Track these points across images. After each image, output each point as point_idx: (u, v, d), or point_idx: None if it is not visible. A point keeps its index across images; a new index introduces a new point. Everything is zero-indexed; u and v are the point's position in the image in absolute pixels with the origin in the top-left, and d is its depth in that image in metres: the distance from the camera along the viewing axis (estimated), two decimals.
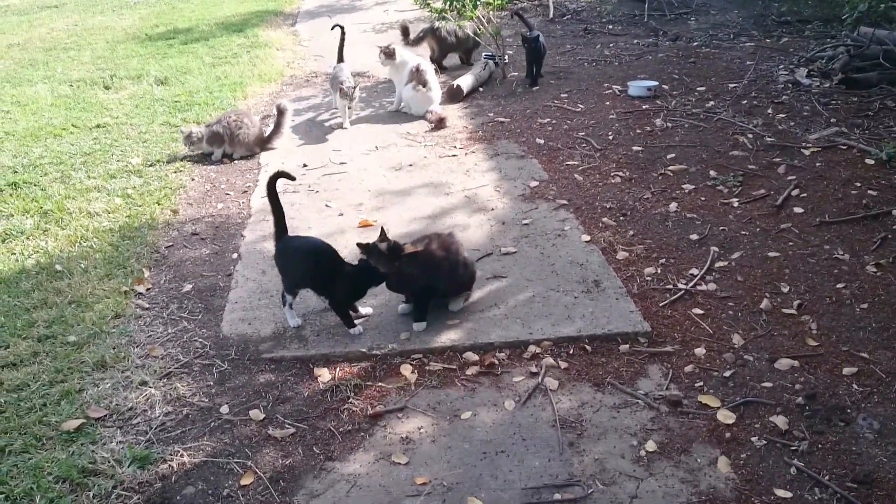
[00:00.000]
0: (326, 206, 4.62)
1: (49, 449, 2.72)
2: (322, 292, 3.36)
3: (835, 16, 7.77)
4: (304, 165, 5.27)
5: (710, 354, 3.10)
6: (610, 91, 6.45)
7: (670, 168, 4.85)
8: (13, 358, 3.22)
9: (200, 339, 3.36)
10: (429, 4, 7.02)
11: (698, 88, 6.32)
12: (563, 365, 3.06)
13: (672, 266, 3.76)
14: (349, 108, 5.91)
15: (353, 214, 4.47)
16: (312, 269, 3.30)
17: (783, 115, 5.56)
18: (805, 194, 4.36)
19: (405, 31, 7.49)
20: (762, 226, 4.07)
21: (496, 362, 3.09)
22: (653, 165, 4.92)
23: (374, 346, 3.22)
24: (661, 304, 3.45)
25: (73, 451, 2.70)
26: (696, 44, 7.84)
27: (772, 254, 3.79)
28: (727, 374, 2.97)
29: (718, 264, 3.74)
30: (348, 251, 3.84)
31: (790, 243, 3.89)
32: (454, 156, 5.32)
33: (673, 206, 4.36)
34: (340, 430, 2.78)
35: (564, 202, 4.48)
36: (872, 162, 4.64)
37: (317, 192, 4.84)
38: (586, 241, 4.00)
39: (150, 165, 5.37)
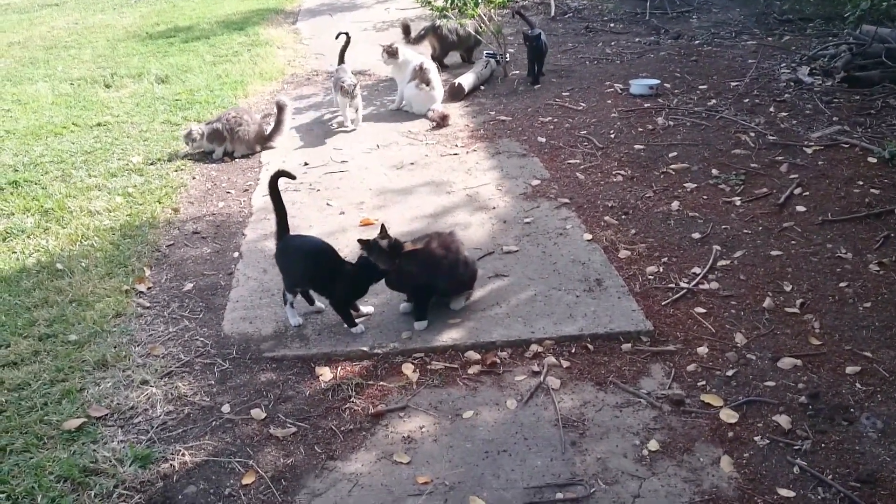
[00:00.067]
0: (328, 204, 4.61)
1: (50, 448, 2.71)
2: (323, 292, 3.36)
3: (837, 14, 7.75)
4: (306, 164, 5.27)
5: (712, 353, 3.09)
6: (611, 89, 6.44)
7: (672, 167, 4.84)
8: (14, 357, 3.22)
9: (202, 338, 3.35)
10: (430, 2, 7.01)
11: (700, 87, 6.31)
12: (566, 364, 3.05)
13: (674, 265, 3.75)
14: (350, 106, 5.83)
15: (355, 213, 4.47)
16: (312, 269, 3.29)
17: (785, 114, 5.54)
18: (807, 193, 4.35)
19: (406, 30, 7.48)
20: (764, 224, 4.06)
21: (498, 361, 3.08)
22: (655, 164, 4.91)
23: (376, 345, 3.21)
24: (663, 303, 3.44)
25: (74, 450, 2.69)
26: (697, 42, 7.83)
27: (774, 252, 3.78)
28: (730, 373, 2.96)
29: (721, 263, 3.73)
30: (349, 250, 3.84)
31: (793, 242, 3.87)
32: (455, 154, 5.31)
33: (675, 204, 4.35)
34: (342, 429, 2.78)
35: (566, 201, 4.47)
36: (875, 160, 4.63)
37: (318, 190, 4.83)
38: (588, 240, 3.99)
39: (151, 164, 5.37)
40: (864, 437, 2.61)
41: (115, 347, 3.28)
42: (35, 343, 3.32)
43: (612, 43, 8.10)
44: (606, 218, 4.24)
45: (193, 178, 5.17)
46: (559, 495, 2.42)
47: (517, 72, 7.15)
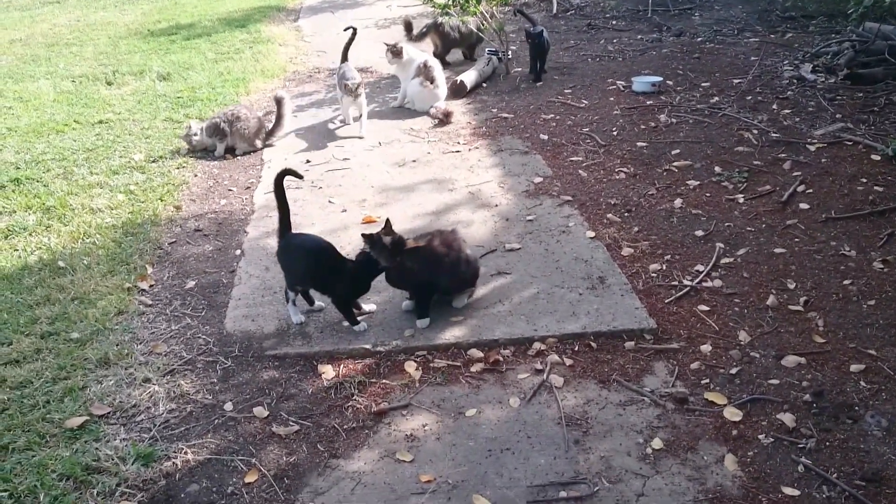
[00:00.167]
0: (329, 202, 4.60)
1: (52, 446, 2.71)
2: (324, 290, 3.35)
3: (840, 11, 7.71)
4: (308, 161, 5.26)
5: (716, 351, 3.08)
6: (614, 87, 6.42)
7: (675, 164, 4.82)
8: (16, 355, 3.21)
9: (204, 336, 3.35)
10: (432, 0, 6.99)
11: (703, 84, 6.29)
12: (569, 362, 3.04)
13: (677, 262, 3.74)
14: (354, 105, 5.76)
15: (357, 211, 4.46)
16: (313, 268, 3.29)
17: (788, 111, 5.53)
18: (811, 190, 4.33)
19: (408, 27, 7.46)
20: (768, 222, 4.05)
21: (501, 359, 3.07)
22: (657, 161, 4.90)
23: (378, 343, 3.20)
24: (666, 301, 3.43)
25: (76, 448, 2.69)
26: (700, 39, 7.81)
27: (778, 250, 3.77)
28: (733, 371, 2.95)
29: (724, 261, 3.72)
30: (352, 248, 3.83)
31: (796, 239, 3.86)
32: (458, 152, 5.30)
33: (678, 202, 4.33)
34: (345, 427, 2.77)
35: (569, 198, 4.46)
36: (878, 158, 4.62)
37: (320, 188, 4.82)
38: (591, 238, 3.98)
39: (153, 161, 5.36)
40: (869, 435, 2.60)
41: (117, 345, 3.27)
42: (37, 341, 3.31)
43: (615, 40, 8.08)
44: (609, 215, 4.23)
45: (195, 175, 5.16)
46: (563, 494, 2.42)
47: (519, 69, 7.13)
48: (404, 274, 3.27)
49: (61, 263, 3.96)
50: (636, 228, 4.09)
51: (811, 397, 2.77)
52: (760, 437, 2.62)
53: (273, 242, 3.74)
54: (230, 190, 4.91)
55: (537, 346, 3.15)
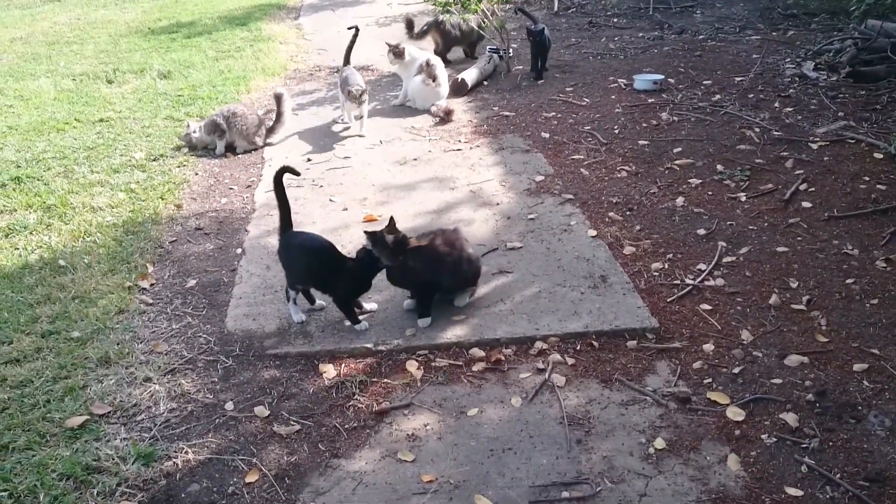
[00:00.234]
0: (330, 200, 4.59)
1: (53, 446, 2.70)
2: (325, 289, 3.34)
3: (842, 8, 7.70)
4: (308, 160, 5.25)
5: (718, 350, 3.07)
6: (615, 85, 6.41)
7: (677, 162, 4.81)
8: (16, 354, 3.21)
9: (205, 335, 3.34)
10: None
11: (704, 82, 6.27)
12: (570, 361, 3.03)
13: (679, 261, 3.73)
14: (356, 111, 5.71)
15: (358, 209, 4.45)
16: (313, 267, 3.28)
17: (790, 109, 5.51)
18: (813, 189, 4.32)
19: (410, 25, 7.44)
20: (770, 220, 4.04)
21: (502, 358, 3.06)
22: (659, 160, 4.89)
23: (380, 342, 3.19)
24: (668, 300, 3.42)
25: (76, 447, 2.68)
26: (701, 37, 7.79)
27: (780, 249, 3.76)
28: (736, 370, 2.94)
29: (726, 259, 3.71)
30: (353, 246, 3.82)
31: (798, 238, 3.85)
32: (459, 150, 5.28)
33: (680, 200, 4.32)
34: (346, 426, 2.76)
35: (570, 197, 4.44)
36: (881, 156, 4.60)
37: (321, 186, 4.81)
38: (592, 236, 3.97)
39: (154, 160, 5.35)
40: (873, 435, 2.59)
41: (117, 344, 3.26)
42: (37, 340, 3.31)
43: (616, 38, 8.06)
44: (611, 214, 4.22)
45: (196, 174, 5.15)
46: (565, 494, 2.41)
47: (520, 67, 7.12)
48: (406, 273, 3.26)
49: (62, 262, 3.95)
50: (638, 227, 4.07)
51: (814, 397, 2.76)
52: (763, 436, 2.60)
53: (274, 241, 3.73)
54: (231, 188, 4.90)
55: (539, 345, 3.13)
